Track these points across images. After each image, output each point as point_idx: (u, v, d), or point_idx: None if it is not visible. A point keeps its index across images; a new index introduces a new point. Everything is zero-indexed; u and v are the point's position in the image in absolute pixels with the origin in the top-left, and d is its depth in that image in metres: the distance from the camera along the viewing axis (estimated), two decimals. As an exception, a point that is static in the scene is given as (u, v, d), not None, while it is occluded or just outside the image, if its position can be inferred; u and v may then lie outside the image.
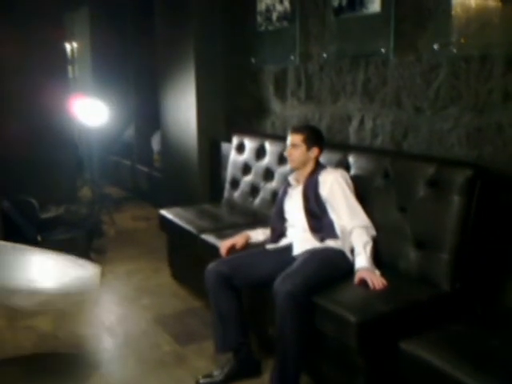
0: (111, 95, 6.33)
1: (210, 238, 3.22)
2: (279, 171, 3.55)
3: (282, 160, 3.49)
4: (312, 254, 2.55)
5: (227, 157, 4.17)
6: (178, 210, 3.90)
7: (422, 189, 2.48)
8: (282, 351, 2.33)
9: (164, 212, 3.90)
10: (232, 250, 2.87)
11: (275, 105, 4.04)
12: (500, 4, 2.39)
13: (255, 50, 4.15)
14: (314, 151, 2.76)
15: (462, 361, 1.77)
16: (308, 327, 2.32)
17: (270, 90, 4.07)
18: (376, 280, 2.34)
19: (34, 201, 4.55)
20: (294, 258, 2.58)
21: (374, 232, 2.58)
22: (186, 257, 3.77)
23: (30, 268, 2.74)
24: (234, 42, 4.42)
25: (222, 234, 3.20)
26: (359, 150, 3.05)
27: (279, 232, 2.80)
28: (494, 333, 1.99)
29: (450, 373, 1.74)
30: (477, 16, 2.49)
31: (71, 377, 2.72)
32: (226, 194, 4.08)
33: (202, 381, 2.60)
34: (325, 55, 3.45)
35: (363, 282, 2.36)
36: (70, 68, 7.98)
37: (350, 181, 2.71)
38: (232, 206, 3.96)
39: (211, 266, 2.65)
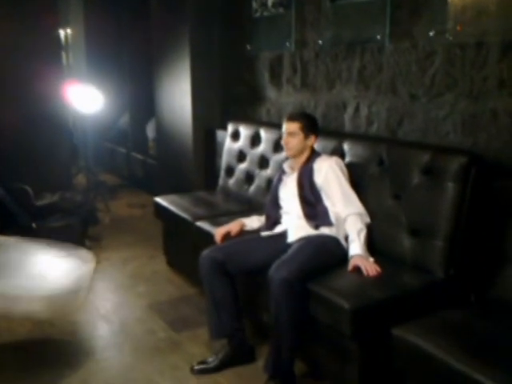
0: (106, 82, 6.29)
1: (204, 226, 3.22)
2: (274, 159, 3.54)
3: (277, 147, 3.48)
4: (307, 241, 2.55)
5: (222, 144, 4.16)
6: (173, 197, 3.89)
7: (417, 176, 2.49)
8: (277, 337, 2.35)
9: (159, 199, 3.89)
10: (227, 237, 2.87)
11: (270, 92, 4.02)
12: (496, -9, 2.38)
13: (251, 37, 4.13)
14: (311, 139, 2.75)
15: (454, 347, 1.79)
16: (302, 314, 2.33)
17: (266, 77, 4.05)
18: (370, 267, 2.35)
19: (28, 188, 4.54)
20: (288, 245, 2.58)
21: (368, 219, 2.59)
22: (181, 244, 3.77)
23: (21, 272, 2.68)
24: (229, 29, 4.39)
25: (216, 221, 3.20)
26: (354, 137, 3.04)
27: (274, 219, 2.81)
28: (488, 320, 2.01)
29: (442, 359, 1.76)
30: (473, 3, 2.48)
31: (66, 363, 2.73)
32: (220, 181, 4.07)
33: (196, 367, 2.62)
34: (320, 42, 3.44)
35: (357, 269, 2.37)
36: (64, 54, 7.92)
37: (344, 168, 2.71)
38: (227, 193, 3.96)
39: (205, 252, 2.66)
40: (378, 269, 2.35)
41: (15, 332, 3.07)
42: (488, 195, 2.36)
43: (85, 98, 5.19)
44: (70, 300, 2.60)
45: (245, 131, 3.89)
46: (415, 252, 2.46)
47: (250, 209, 3.40)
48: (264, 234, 2.79)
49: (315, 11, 3.44)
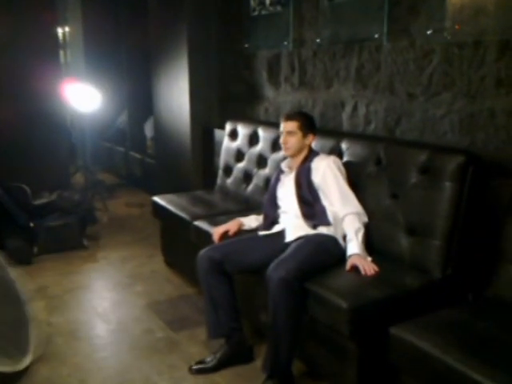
0: (104, 81, 6.29)
1: (202, 225, 3.22)
2: (272, 158, 3.54)
3: (275, 147, 3.48)
4: (305, 241, 2.55)
5: (220, 143, 4.16)
6: (170, 196, 3.89)
7: (415, 175, 2.48)
8: (275, 337, 2.34)
9: (157, 199, 3.89)
10: (224, 236, 2.87)
11: (268, 91, 4.02)
12: (494, -11, 2.37)
13: (248, 35, 4.12)
14: (309, 138, 2.75)
15: (451, 346, 1.79)
16: (300, 313, 2.33)
17: (264, 75, 4.04)
18: (367, 266, 2.35)
19: (26, 187, 4.53)
20: (286, 245, 2.58)
21: (365, 219, 2.59)
22: (179, 243, 3.77)
23: None
24: (227, 27, 4.39)
25: (214, 220, 3.20)
26: (352, 136, 3.04)
27: (272, 219, 2.80)
28: (485, 318, 2.01)
29: (440, 358, 1.76)
30: (471, 2, 2.47)
31: (64, 362, 2.73)
32: (218, 180, 4.07)
33: (194, 367, 2.62)
34: (318, 40, 3.43)
35: (355, 269, 2.37)
36: (62, 53, 7.90)
37: (342, 167, 2.71)
38: (225, 192, 3.96)
39: (203, 251, 2.66)
40: (376, 268, 2.35)
41: (13, 332, 3.06)
42: (485, 194, 2.36)
43: (83, 97, 5.19)
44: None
45: (243, 130, 3.89)
46: (413, 251, 2.46)
47: (248, 208, 3.40)
48: (262, 233, 2.79)
49: (313, 9, 3.44)
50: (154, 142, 5.83)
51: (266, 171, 3.58)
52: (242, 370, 2.60)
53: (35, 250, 4.21)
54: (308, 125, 2.75)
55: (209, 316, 2.65)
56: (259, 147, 3.70)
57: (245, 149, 3.83)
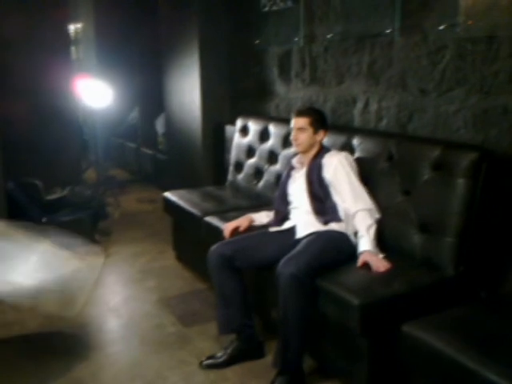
0: (116, 77, 6.30)
1: (213, 221, 3.23)
2: (283, 154, 3.53)
3: (286, 143, 3.48)
4: (316, 237, 2.54)
5: (231, 139, 4.16)
6: (182, 192, 3.90)
7: (427, 172, 2.47)
8: (285, 333, 2.34)
9: (168, 194, 3.90)
10: (235, 232, 2.87)
11: (279, 87, 4.01)
12: (508, -16, 2.35)
13: (259, 31, 4.11)
14: (321, 134, 2.74)
15: (464, 344, 1.77)
16: (311, 309, 2.33)
17: (274, 71, 4.03)
18: (379, 263, 2.34)
19: (38, 182, 4.57)
20: (297, 241, 2.58)
21: (378, 215, 2.57)
22: (190, 239, 3.78)
23: (28, 261, 2.70)
24: (238, 23, 4.38)
25: (225, 216, 3.20)
26: (364, 132, 3.03)
27: (283, 215, 2.80)
28: (498, 317, 1.99)
29: (452, 356, 1.75)
30: (484, -4, 2.45)
31: (76, 357, 2.75)
32: (229, 176, 4.07)
33: (205, 362, 2.63)
34: (329, 36, 3.41)
35: (366, 265, 2.36)
36: (74, 49, 7.94)
37: (354, 163, 2.70)
38: (236, 188, 3.96)
39: (214, 247, 2.66)
40: (388, 265, 2.34)
41: (25, 325, 3.10)
42: (499, 191, 2.34)
43: (95, 93, 5.21)
44: (77, 294, 2.62)
45: (253, 126, 3.89)
46: (425, 248, 2.44)
47: (259, 204, 3.40)
48: (272, 229, 2.79)
49: (324, 5, 3.42)
50: (165, 138, 5.84)
51: (277, 167, 3.58)
52: (252, 366, 2.60)
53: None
54: (319, 121, 2.74)
55: (220, 311, 2.66)
56: (270, 143, 3.70)
57: (256, 145, 3.83)
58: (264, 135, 3.77)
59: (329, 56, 3.47)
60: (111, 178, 6.05)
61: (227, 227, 2.91)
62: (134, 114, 7.30)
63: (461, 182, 2.31)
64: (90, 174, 6.16)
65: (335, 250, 2.49)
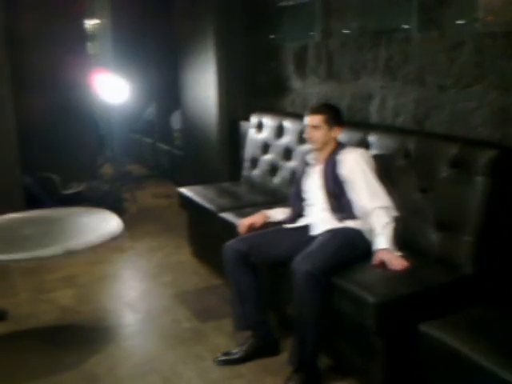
0: (132, 72, 6.34)
1: (228, 217, 3.23)
2: (299, 150, 3.52)
3: (301, 139, 3.46)
4: (331, 234, 2.53)
5: (246, 135, 4.16)
6: (197, 188, 3.91)
7: (445, 169, 2.44)
8: (301, 331, 2.34)
9: (183, 190, 3.91)
10: (250, 228, 2.87)
11: (295, 82, 3.99)
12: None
13: (275, 26, 4.10)
14: (336, 131, 2.71)
15: (482, 344, 1.75)
16: (326, 307, 2.32)
17: (290, 67, 4.02)
18: (396, 261, 2.33)
19: (55, 177, 4.62)
20: (312, 238, 2.57)
21: (395, 212, 2.53)
22: (205, 235, 3.80)
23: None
24: (254, 18, 4.36)
25: (240, 212, 3.21)
26: (380, 129, 3.00)
27: (298, 211, 2.79)
28: (516, 316, 1.97)
29: (469, 356, 1.73)
30: (504, -9, 2.41)
31: (92, 350, 2.78)
32: (245, 172, 4.07)
33: (220, 358, 2.64)
34: (346, 32, 3.39)
35: (382, 263, 2.35)
36: (91, 44, 7.99)
37: (371, 160, 2.66)
38: (251, 184, 3.96)
39: (229, 243, 2.67)
40: (405, 263, 2.32)
41: (42, 318, 3.14)
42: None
43: (112, 88, 5.24)
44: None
45: (269, 122, 3.88)
46: (443, 247, 2.42)
47: (275, 200, 3.39)
48: (287, 226, 2.78)
49: (341, 0, 3.39)
50: (181, 133, 5.86)
51: (293, 163, 3.56)
52: (267, 363, 2.61)
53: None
54: (334, 118, 2.71)
55: (235, 308, 2.66)
56: (285, 139, 3.69)
57: (271, 141, 3.82)
58: (279, 131, 3.76)
59: (345, 51, 3.44)
60: (127, 174, 6.09)
61: (242, 223, 2.91)
62: (151, 110, 7.33)
63: (479, 180, 2.28)
64: (107, 169, 6.21)
65: (351, 247, 2.48)
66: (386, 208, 2.52)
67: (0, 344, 2.89)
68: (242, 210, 3.27)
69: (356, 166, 2.61)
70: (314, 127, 2.68)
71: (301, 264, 2.31)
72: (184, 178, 5.11)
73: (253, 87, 4.52)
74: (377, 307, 2.09)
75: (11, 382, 2.53)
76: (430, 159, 2.52)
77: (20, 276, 3.74)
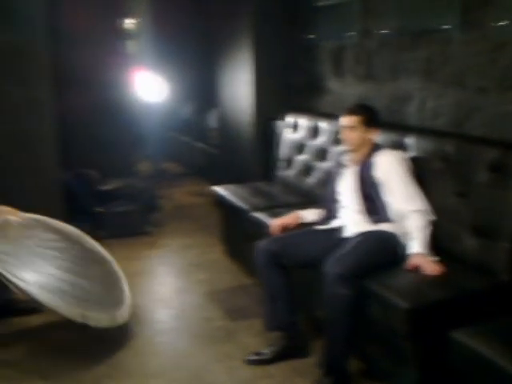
0: (171, 71, 6.41)
1: (261, 216, 3.24)
2: (333, 151, 3.49)
3: (337, 140, 3.43)
4: (364, 237, 2.50)
5: (281, 135, 4.15)
6: (231, 187, 3.93)
7: (484, 174, 2.37)
8: (331, 334, 2.33)
9: (218, 189, 3.94)
10: (282, 228, 2.87)
11: (331, 83, 3.96)
12: None
13: (312, 26, 4.07)
14: (372, 132, 2.68)
15: (517, 355, 1.71)
16: (357, 310, 2.30)
17: (327, 67, 3.99)
18: (431, 266, 2.28)
19: (93, 173, 4.71)
20: (344, 240, 2.55)
21: (431, 216, 2.49)
22: (238, 234, 3.81)
23: None
24: (290, 17, 4.35)
25: (273, 212, 3.21)
26: (418, 131, 2.94)
27: (331, 213, 2.77)
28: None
29: (502, 366, 1.68)
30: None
31: (123, 345, 2.83)
32: (279, 172, 4.07)
33: (250, 357, 2.64)
34: (385, 32, 3.34)
35: (416, 268, 2.31)
36: (131, 43, 8.11)
37: (407, 163, 2.62)
38: (285, 184, 3.95)
39: (261, 243, 2.67)
40: (439, 268, 2.27)
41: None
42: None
43: (150, 87, 5.30)
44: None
45: (304, 122, 3.86)
46: (479, 252, 2.36)
47: (308, 201, 3.37)
48: (319, 227, 2.76)
49: None
50: (217, 132, 5.90)
51: (328, 164, 3.54)
52: (297, 364, 2.60)
53: (101, 234, 4.37)
54: (370, 119, 2.67)
55: (266, 308, 2.67)
56: (320, 140, 3.66)
57: (306, 141, 3.81)
58: (314, 132, 3.74)
59: (384, 52, 3.39)
60: (163, 171, 6.16)
61: (274, 224, 2.90)
62: (188, 109, 7.40)
63: (519, 185, 2.22)
64: (144, 167, 6.30)
65: (384, 251, 2.45)
66: (421, 211, 2.47)
67: (34, 336, 2.96)
68: (275, 209, 3.27)
69: (392, 169, 2.57)
70: (350, 128, 2.66)
71: (332, 266, 2.30)
72: (219, 177, 5.14)
73: (288, 87, 4.50)
74: (409, 313, 2.06)
75: (45, 375, 2.58)
76: (468, 163, 2.46)
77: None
